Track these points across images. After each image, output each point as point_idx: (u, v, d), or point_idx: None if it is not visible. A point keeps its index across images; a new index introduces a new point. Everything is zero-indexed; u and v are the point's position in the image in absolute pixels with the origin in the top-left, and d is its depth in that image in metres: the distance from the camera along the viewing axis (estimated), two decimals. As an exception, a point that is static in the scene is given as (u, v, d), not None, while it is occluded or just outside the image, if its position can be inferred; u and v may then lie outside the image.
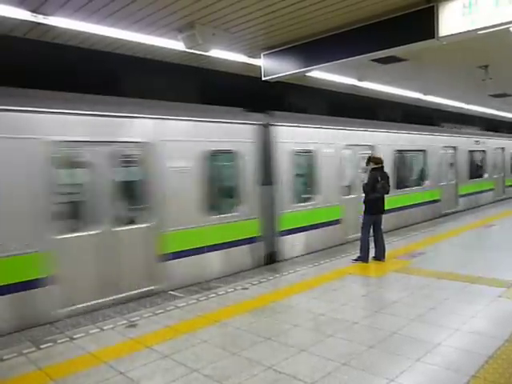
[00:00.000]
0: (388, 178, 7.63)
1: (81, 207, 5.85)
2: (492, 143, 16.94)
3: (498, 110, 15.26)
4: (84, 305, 5.64)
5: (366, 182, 7.53)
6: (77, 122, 5.64)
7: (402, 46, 5.19)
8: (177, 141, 6.58)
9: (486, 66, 8.02)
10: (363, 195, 7.50)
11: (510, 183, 18.66)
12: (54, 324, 5.23)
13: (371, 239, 7.50)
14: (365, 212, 7.51)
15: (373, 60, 6.57)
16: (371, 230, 7.49)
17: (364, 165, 7.98)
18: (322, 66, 6.01)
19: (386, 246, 7.58)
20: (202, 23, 5.29)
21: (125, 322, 4.96)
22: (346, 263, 7.38)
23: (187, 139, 6.71)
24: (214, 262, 7.09)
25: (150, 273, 6.30)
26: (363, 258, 7.37)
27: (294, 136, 8.41)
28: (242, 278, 6.80)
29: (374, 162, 7.53)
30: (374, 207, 7.43)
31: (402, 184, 11.41)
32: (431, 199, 12.66)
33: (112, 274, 5.91)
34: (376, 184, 7.32)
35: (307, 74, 6.99)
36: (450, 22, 4.74)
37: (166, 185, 6.44)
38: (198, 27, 5.28)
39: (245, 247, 7.54)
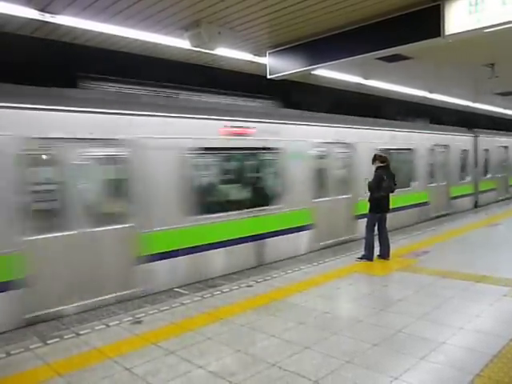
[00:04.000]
0: (394, 176, 7.62)
1: None
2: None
3: (504, 108, 15.17)
4: None
5: (371, 180, 7.52)
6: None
7: (407, 45, 5.18)
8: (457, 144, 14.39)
9: (492, 64, 7.98)
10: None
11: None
12: (60, 320, 5.29)
13: (376, 238, 7.51)
14: (370, 210, 7.50)
15: (378, 58, 6.55)
16: (376, 229, 7.51)
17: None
18: (328, 64, 6.00)
19: (391, 245, 7.58)
20: (208, 22, 5.31)
21: (130, 318, 5.00)
22: (351, 261, 7.39)
23: (458, 143, 14.40)
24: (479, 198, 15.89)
25: None
26: (368, 256, 7.37)
27: (483, 142, 16.04)
28: (247, 276, 6.84)
29: (380, 161, 7.52)
30: (379, 206, 7.41)
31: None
32: None
33: None
34: (381, 183, 7.31)
35: (312, 72, 6.98)
36: (456, 20, 4.73)
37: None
38: (203, 26, 5.30)
39: (469, 198, 15.31)
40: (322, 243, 9.06)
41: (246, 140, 7.69)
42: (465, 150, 14.96)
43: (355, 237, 9.71)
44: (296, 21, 5.46)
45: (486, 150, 16.38)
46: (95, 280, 5.74)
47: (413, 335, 4.22)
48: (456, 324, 4.45)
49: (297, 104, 9.42)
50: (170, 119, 6.63)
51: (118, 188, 6.15)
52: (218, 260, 7.23)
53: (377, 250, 7.49)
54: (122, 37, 5.64)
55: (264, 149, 8.09)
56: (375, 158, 7.59)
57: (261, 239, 7.93)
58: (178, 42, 5.92)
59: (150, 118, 6.35)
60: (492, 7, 4.47)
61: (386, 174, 7.41)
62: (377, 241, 7.51)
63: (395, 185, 7.60)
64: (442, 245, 8.68)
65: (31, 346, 4.26)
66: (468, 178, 15.19)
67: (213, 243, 7.12)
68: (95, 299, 5.74)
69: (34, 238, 5.22)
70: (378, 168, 7.49)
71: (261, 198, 8.17)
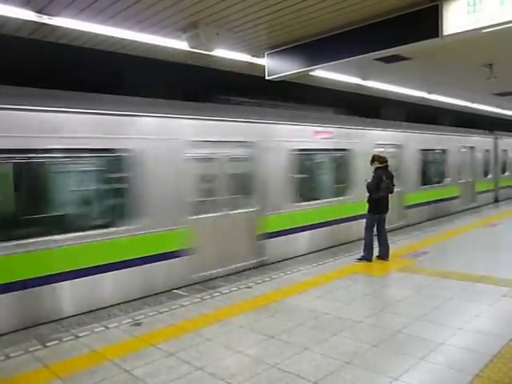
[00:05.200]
0: (393, 177, 7.62)
1: None
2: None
3: (502, 108, 15.19)
4: None
5: (370, 180, 7.53)
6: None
7: (405, 45, 5.18)
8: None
9: (491, 65, 7.98)
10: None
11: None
12: (59, 322, 5.28)
13: (375, 238, 7.51)
14: (368, 211, 7.50)
15: (376, 59, 6.55)
16: (375, 230, 7.51)
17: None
18: (326, 65, 6.00)
19: (390, 246, 7.58)
20: (206, 23, 5.30)
21: (129, 320, 4.99)
22: (350, 262, 7.39)
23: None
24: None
25: None
26: (367, 257, 7.37)
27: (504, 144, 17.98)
28: (246, 277, 6.83)
29: (379, 161, 7.52)
30: (377, 206, 7.42)
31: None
32: None
33: None
34: (380, 183, 7.31)
35: (311, 73, 6.98)
36: (455, 20, 4.72)
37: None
38: (201, 27, 5.29)
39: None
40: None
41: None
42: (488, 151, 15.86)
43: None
44: (294, 21, 5.45)
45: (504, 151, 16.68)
46: None
47: (412, 336, 4.22)
48: (455, 324, 4.45)
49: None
50: None
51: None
52: None
53: (376, 251, 7.50)
54: (120, 38, 5.63)
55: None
56: (374, 159, 7.59)
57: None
58: (176, 44, 5.91)
59: None
60: (490, 7, 4.46)
61: (385, 175, 7.41)
62: (376, 241, 7.52)
63: (393, 185, 7.61)
64: (441, 245, 8.69)
65: (30, 349, 4.25)
66: None
67: None
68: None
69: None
70: (377, 168, 7.49)
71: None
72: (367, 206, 7.51)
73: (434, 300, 5.24)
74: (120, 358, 3.96)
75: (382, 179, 7.33)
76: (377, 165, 7.51)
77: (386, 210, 7.55)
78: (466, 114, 15.43)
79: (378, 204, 7.41)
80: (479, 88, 10.45)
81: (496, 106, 14.35)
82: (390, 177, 7.53)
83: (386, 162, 7.57)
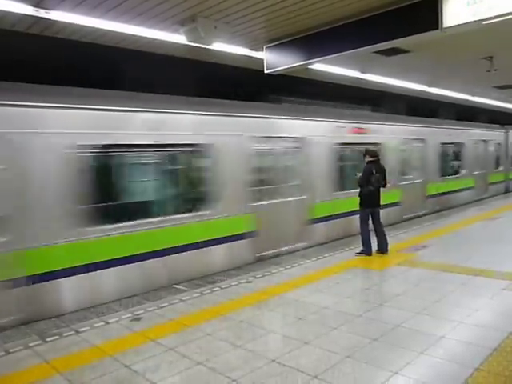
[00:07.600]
0: (384, 171, 7.57)
1: None
2: None
3: (503, 101, 15.13)
4: None
5: (360, 174, 7.48)
6: None
7: (405, 38, 5.14)
8: None
9: (491, 57, 7.94)
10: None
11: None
12: (60, 318, 5.29)
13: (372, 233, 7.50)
14: (360, 205, 7.46)
15: (376, 52, 6.51)
16: (370, 224, 7.48)
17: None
18: (325, 58, 5.96)
19: (389, 240, 7.57)
20: (204, 16, 5.26)
21: (129, 315, 5.00)
22: (350, 256, 7.39)
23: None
24: None
25: None
26: (366, 251, 7.36)
27: None
28: (246, 272, 6.83)
29: (370, 155, 7.48)
30: (368, 200, 7.37)
31: None
32: None
33: None
34: (370, 177, 7.27)
35: (310, 67, 6.94)
36: (454, 12, 4.68)
37: None
38: (199, 20, 5.25)
39: None
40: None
41: None
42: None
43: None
44: (293, 15, 5.41)
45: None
46: None
47: (412, 329, 4.23)
48: (455, 318, 4.46)
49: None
50: None
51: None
52: None
53: (375, 245, 7.49)
54: (118, 32, 5.59)
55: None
56: (366, 153, 7.55)
57: None
58: (174, 37, 5.87)
59: None
60: (490, -1, 4.43)
61: (376, 169, 7.37)
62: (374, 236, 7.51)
63: (385, 179, 7.53)
64: (440, 239, 8.68)
65: (30, 344, 4.26)
66: None
67: None
68: None
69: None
70: (368, 163, 7.45)
71: None
72: (358, 200, 7.47)
73: (434, 294, 5.24)
74: (120, 353, 3.96)
75: (372, 173, 7.29)
76: (368, 159, 7.47)
77: (378, 204, 7.48)
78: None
79: (368, 198, 7.35)
80: (479, 81, 10.40)
81: (496, 99, 14.30)
82: (382, 171, 7.48)
83: (378, 156, 7.54)
